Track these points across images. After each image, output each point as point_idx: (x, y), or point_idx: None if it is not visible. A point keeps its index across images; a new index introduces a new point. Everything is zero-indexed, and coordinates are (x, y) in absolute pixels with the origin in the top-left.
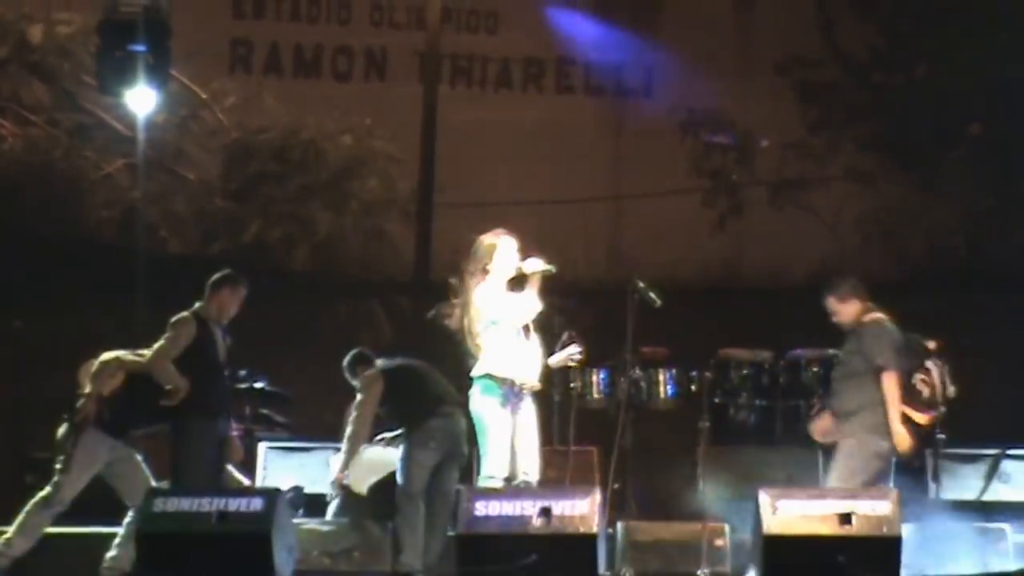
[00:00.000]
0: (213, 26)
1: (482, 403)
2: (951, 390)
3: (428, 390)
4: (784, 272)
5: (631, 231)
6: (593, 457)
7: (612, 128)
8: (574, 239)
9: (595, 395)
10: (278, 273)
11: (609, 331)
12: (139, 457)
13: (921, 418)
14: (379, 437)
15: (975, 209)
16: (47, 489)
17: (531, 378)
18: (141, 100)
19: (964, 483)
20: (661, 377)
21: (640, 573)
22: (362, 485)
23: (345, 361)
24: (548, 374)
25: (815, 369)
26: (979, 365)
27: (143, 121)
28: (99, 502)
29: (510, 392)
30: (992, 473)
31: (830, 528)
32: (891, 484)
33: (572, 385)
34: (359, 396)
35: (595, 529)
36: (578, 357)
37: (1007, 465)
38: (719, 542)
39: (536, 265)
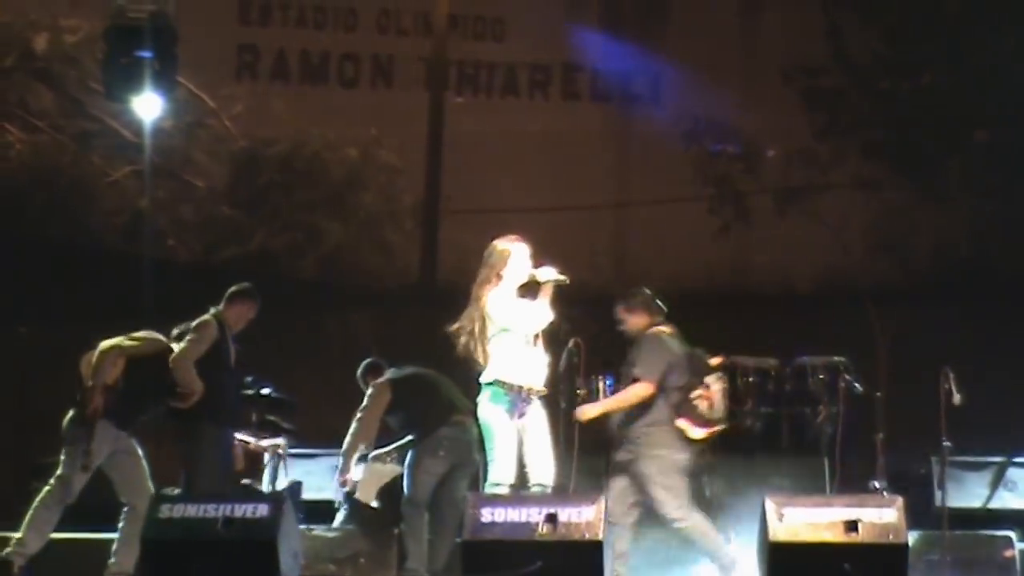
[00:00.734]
0: (219, 32)
1: (489, 410)
2: (956, 398)
3: (438, 399)
4: (790, 279)
5: (637, 238)
6: (599, 464)
7: (618, 135)
8: (580, 246)
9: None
10: (285, 281)
11: (614, 338)
12: (140, 452)
13: (697, 433)
14: (385, 450)
15: (981, 216)
16: (53, 483)
17: (538, 384)
18: (148, 106)
19: (970, 491)
20: None
21: None
22: (371, 497)
23: (359, 370)
24: (554, 381)
25: (821, 376)
26: (985, 372)
27: (150, 127)
28: (107, 506)
29: (518, 398)
30: (998, 481)
31: (836, 535)
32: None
33: (578, 392)
34: (364, 403)
35: (601, 536)
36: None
37: (1013, 473)
38: None
39: (549, 274)
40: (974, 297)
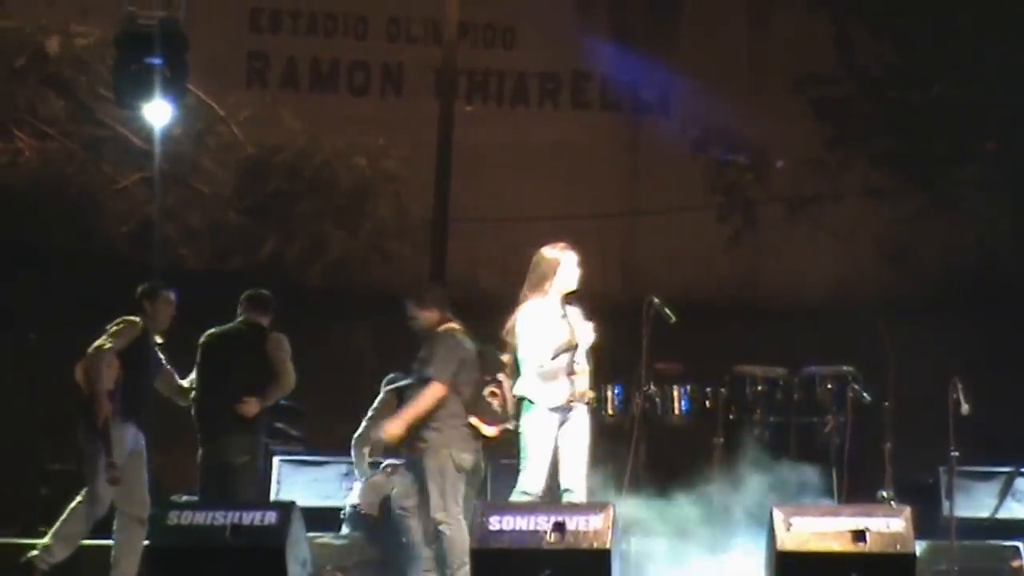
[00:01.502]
0: (230, 40)
1: (525, 419)
2: (964, 408)
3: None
4: (799, 288)
5: (646, 247)
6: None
7: (628, 144)
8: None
9: (610, 411)
10: (293, 289)
11: (624, 347)
12: (146, 456)
13: (489, 431)
14: (387, 461)
15: (991, 226)
16: (83, 497)
17: (578, 391)
18: (158, 113)
19: (978, 501)
20: (676, 393)
21: None
22: (375, 508)
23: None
24: None
25: (829, 386)
26: (993, 383)
27: (160, 134)
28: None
29: (556, 410)
30: (1006, 491)
31: (844, 545)
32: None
33: (587, 401)
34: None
35: (609, 544)
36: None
37: (1021, 483)
38: (732, 558)
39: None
40: (983, 307)
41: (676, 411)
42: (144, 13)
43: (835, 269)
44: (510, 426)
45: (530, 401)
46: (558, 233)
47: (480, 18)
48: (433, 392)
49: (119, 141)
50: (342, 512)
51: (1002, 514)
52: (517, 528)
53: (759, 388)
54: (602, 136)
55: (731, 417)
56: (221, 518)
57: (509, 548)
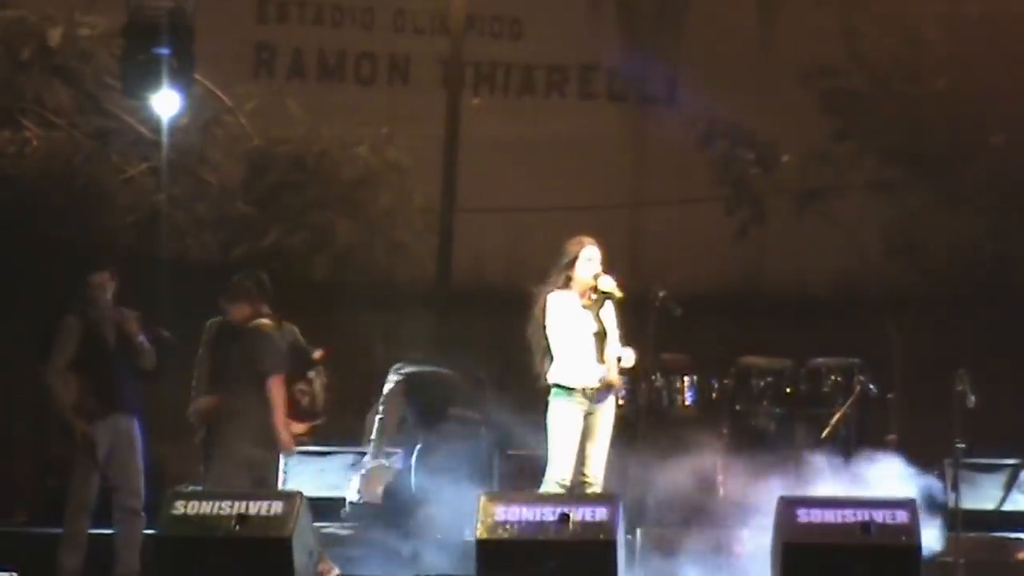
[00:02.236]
0: (237, 30)
1: (551, 408)
2: (970, 400)
3: (445, 396)
4: (805, 281)
5: (652, 239)
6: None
7: (635, 136)
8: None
9: (616, 402)
10: (299, 280)
11: (630, 339)
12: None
13: (299, 427)
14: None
15: (998, 220)
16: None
17: (604, 376)
18: (165, 104)
19: (983, 493)
20: (682, 385)
21: None
22: (377, 497)
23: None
24: None
25: (835, 378)
26: (1000, 376)
27: (167, 125)
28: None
29: (581, 398)
30: (1011, 483)
31: (849, 537)
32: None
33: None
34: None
35: (615, 536)
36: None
37: None
38: (737, 549)
39: (607, 284)
40: (990, 300)
41: (682, 403)
42: (152, 3)
43: (842, 262)
44: (318, 422)
45: (558, 387)
46: (564, 224)
47: (487, 9)
48: (279, 386)
49: (126, 131)
50: (342, 512)
51: (1008, 506)
52: (523, 519)
53: (765, 380)
54: (609, 128)
55: (737, 408)
56: (228, 508)
57: (515, 539)
